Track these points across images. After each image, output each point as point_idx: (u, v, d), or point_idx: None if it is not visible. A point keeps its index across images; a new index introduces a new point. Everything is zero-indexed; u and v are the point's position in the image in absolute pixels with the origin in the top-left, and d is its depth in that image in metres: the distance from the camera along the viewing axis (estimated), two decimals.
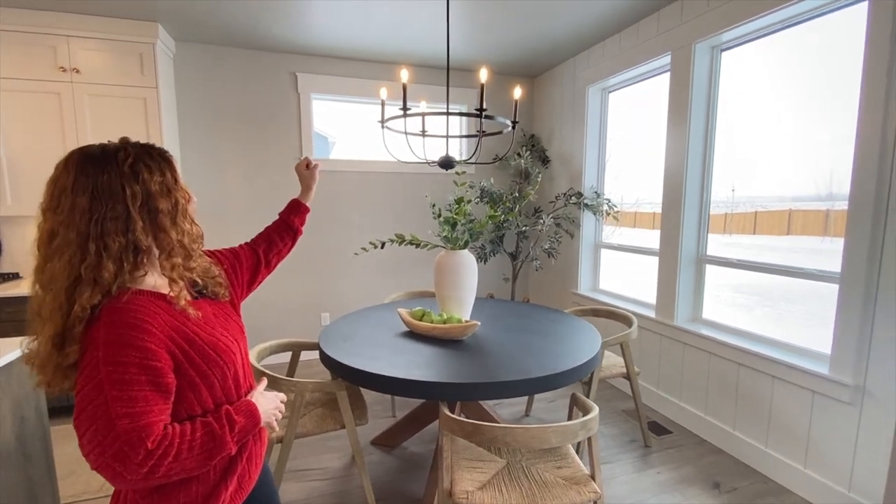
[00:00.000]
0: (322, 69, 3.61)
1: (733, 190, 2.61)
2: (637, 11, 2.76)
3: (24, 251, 3.09)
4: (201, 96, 3.36)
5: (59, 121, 2.82)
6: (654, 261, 2.93)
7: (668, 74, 2.76)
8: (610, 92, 3.44)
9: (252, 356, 1.85)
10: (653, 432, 2.62)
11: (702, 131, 2.61)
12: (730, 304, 2.66)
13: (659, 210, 2.86)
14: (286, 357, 3.79)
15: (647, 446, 2.47)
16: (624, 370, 2.43)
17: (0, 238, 3.04)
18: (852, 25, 1.95)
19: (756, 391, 2.27)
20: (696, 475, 2.21)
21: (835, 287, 1.93)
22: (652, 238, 3.04)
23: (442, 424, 1.42)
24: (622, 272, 3.59)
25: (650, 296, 3.09)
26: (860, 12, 1.91)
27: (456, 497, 1.38)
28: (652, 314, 2.92)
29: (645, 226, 3.34)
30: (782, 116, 2.30)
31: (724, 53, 2.53)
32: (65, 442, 2.50)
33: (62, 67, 2.77)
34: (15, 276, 3.00)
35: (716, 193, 2.65)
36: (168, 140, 3.09)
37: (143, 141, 0.92)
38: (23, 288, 2.69)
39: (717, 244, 2.66)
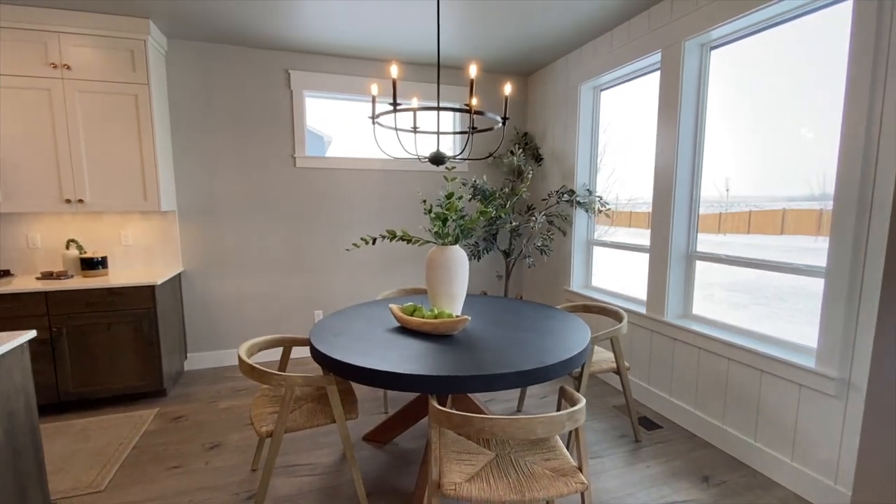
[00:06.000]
0: (315, 66, 3.61)
1: (727, 189, 2.63)
2: (628, 9, 2.78)
3: (16, 248, 3.08)
4: (193, 93, 3.35)
5: (51, 117, 2.81)
6: (645, 258, 2.95)
7: (658, 72, 2.78)
8: (602, 90, 3.46)
9: (242, 351, 1.85)
10: (643, 427, 2.64)
11: (691, 128, 2.63)
12: (723, 302, 2.67)
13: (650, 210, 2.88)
14: (277, 354, 3.80)
15: (638, 441, 2.49)
16: (614, 365, 2.45)
17: None
18: (838, 24, 1.97)
19: (745, 385, 2.29)
20: (685, 469, 2.23)
21: (822, 283, 1.95)
22: (644, 238, 3.05)
23: (431, 417, 1.43)
24: (614, 269, 3.61)
25: (642, 293, 3.12)
26: (845, 11, 1.94)
27: (444, 489, 1.39)
28: (643, 311, 2.94)
29: (640, 225, 3.35)
30: (773, 116, 2.32)
31: (713, 52, 2.55)
32: (54, 438, 2.49)
33: (53, 64, 2.76)
34: (6, 273, 2.99)
35: (709, 193, 2.67)
36: (159, 136, 3.08)
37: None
38: (14, 285, 2.68)
39: (711, 243, 2.67)
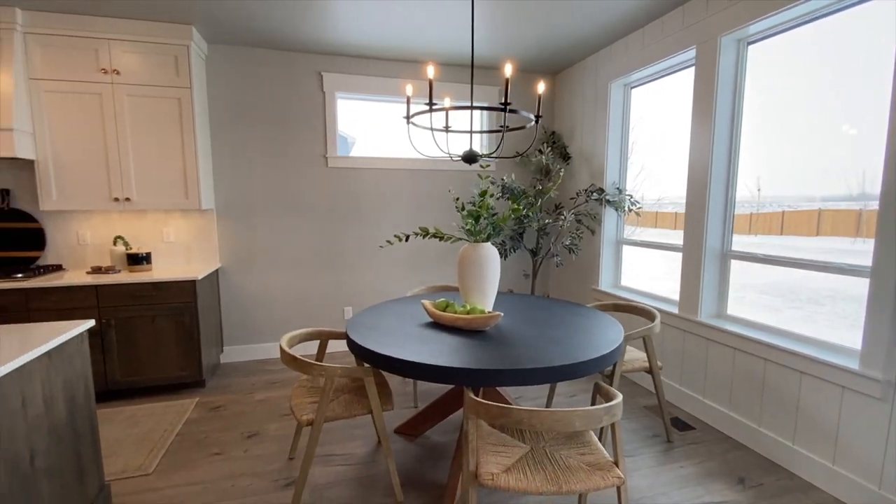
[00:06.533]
0: (347, 68, 3.69)
1: (759, 189, 2.57)
2: (662, 6, 2.75)
3: (67, 245, 3.26)
4: (231, 95, 3.48)
5: (100, 120, 2.97)
6: (677, 258, 2.91)
7: (692, 69, 2.74)
8: (633, 88, 3.42)
9: (284, 342, 1.93)
10: (675, 428, 2.61)
11: (727, 125, 2.58)
12: (756, 304, 2.62)
13: (681, 210, 2.84)
14: (312, 347, 3.90)
15: (670, 441, 2.46)
16: (646, 364, 2.43)
17: (45, 232, 3.21)
18: (882, 17, 1.91)
19: (783, 387, 2.24)
20: (719, 470, 2.20)
21: (864, 288, 1.90)
22: (673, 239, 3.01)
23: (467, 409, 1.46)
24: (645, 269, 3.57)
25: (674, 293, 3.07)
26: (891, 2, 1.88)
27: (481, 478, 1.42)
28: (675, 310, 2.90)
29: (666, 226, 3.30)
30: (812, 112, 2.26)
31: (750, 47, 2.50)
32: (104, 424, 2.63)
33: (104, 69, 2.92)
34: (58, 268, 3.17)
35: (740, 192, 2.62)
36: (200, 137, 3.21)
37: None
38: (65, 279, 2.84)
39: (742, 244, 2.62)
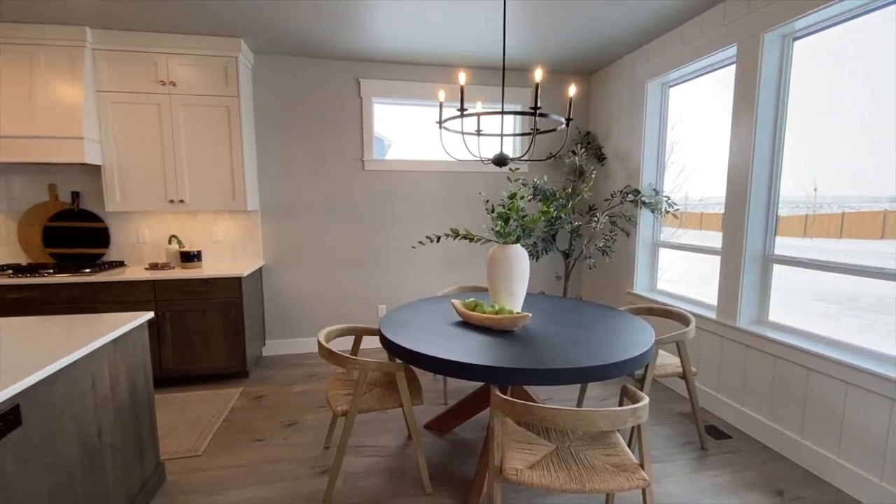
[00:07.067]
0: (382, 74, 3.81)
1: (815, 189, 2.45)
2: (701, 3, 2.69)
3: (127, 243, 3.55)
4: (274, 102, 3.67)
5: (158, 128, 3.21)
6: (717, 261, 2.83)
7: (733, 67, 2.66)
8: (670, 87, 3.35)
9: (321, 337, 2.04)
10: (710, 436, 2.54)
11: (770, 124, 2.50)
12: (809, 312, 2.49)
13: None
14: (347, 343, 4.04)
15: (704, 449, 2.40)
16: (680, 369, 2.39)
17: (109, 231, 3.50)
18: None
19: (827, 398, 2.15)
20: (756, 481, 2.14)
21: None
22: (716, 241, 2.92)
23: (493, 406, 1.51)
24: (683, 273, 3.48)
25: (714, 298, 2.98)
26: None
27: (506, 473, 1.47)
28: (714, 316, 2.82)
29: (713, 227, 3.17)
30: (875, 108, 2.13)
31: (796, 43, 2.41)
32: (162, 408, 2.85)
33: (161, 81, 3.16)
34: (121, 264, 3.45)
35: (793, 193, 2.50)
36: (246, 142, 3.41)
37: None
38: (127, 274, 3.09)
39: (794, 248, 2.49)
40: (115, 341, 1.76)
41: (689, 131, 3.26)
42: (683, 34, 3.00)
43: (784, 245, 2.54)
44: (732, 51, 2.66)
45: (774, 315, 2.59)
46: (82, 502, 1.52)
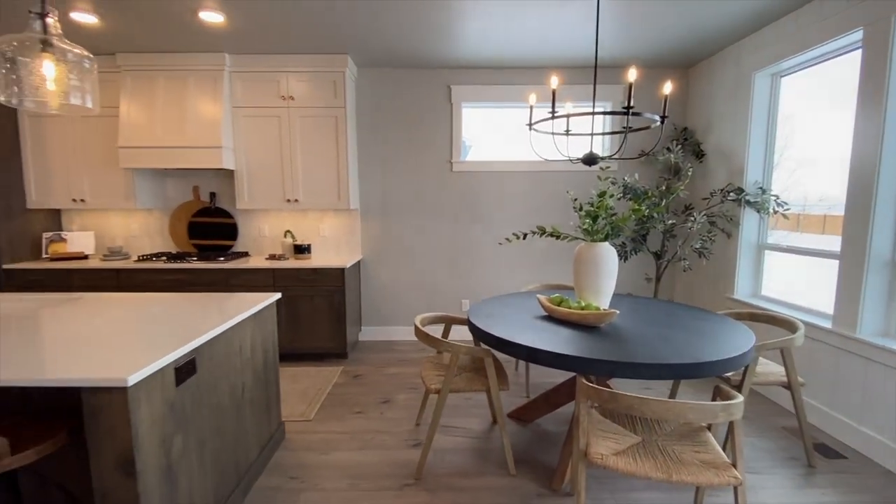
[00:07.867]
0: (472, 80, 3.99)
1: None
2: None
3: (251, 237, 4.11)
4: (373, 110, 4.03)
5: (278, 138, 3.70)
6: (835, 266, 2.59)
7: (856, 53, 2.42)
8: (782, 76, 3.10)
9: (417, 321, 2.26)
10: (820, 454, 2.35)
11: None
12: None
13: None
14: (436, 332, 4.28)
15: (811, 466, 2.23)
16: (784, 379, 2.24)
17: (238, 226, 4.09)
18: None
19: None
20: None
21: None
22: (837, 245, 2.65)
23: (579, 393, 1.58)
24: (796, 279, 3.17)
25: (830, 307, 2.72)
26: None
27: (591, 457, 1.54)
28: (828, 325, 2.59)
29: (837, 231, 2.80)
30: None
31: None
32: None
33: (283, 96, 3.63)
34: (246, 254, 4.02)
35: None
36: (350, 147, 3.79)
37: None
38: (251, 263, 3.61)
39: None
40: (254, 315, 2.12)
41: (806, 125, 2.99)
42: (799, 19, 2.77)
43: None
44: (857, 35, 2.42)
45: None
46: (231, 441, 1.88)
